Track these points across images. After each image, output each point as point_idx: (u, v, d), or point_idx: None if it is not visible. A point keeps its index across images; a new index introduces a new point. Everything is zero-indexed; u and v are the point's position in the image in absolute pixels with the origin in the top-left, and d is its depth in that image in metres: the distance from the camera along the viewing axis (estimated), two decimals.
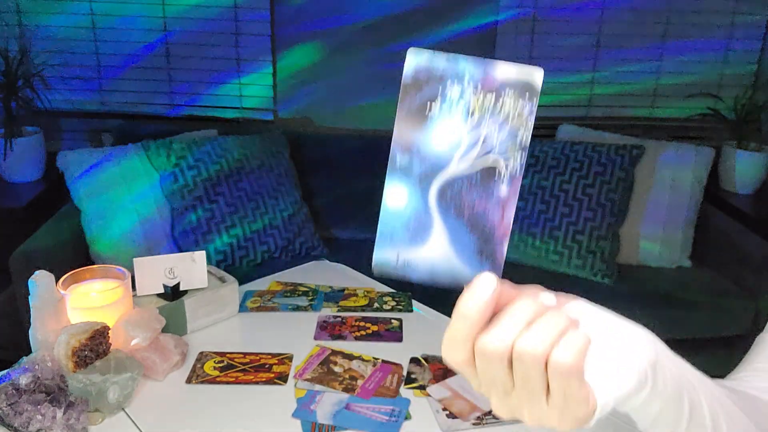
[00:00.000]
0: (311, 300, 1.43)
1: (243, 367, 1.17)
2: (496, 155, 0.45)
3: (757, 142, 2.56)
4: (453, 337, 0.45)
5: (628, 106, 2.75)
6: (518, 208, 2.24)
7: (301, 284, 1.50)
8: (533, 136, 1.85)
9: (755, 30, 2.67)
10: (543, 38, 2.63)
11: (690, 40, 2.65)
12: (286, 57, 2.63)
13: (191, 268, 1.28)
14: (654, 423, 0.51)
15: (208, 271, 1.32)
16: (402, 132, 0.45)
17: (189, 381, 1.13)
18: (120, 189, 2.10)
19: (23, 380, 0.97)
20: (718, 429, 0.52)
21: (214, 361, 1.18)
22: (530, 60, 2.65)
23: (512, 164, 0.45)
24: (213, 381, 1.13)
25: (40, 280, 1.07)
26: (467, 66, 0.45)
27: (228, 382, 1.13)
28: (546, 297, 0.46)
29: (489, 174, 0.45)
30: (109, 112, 2.63)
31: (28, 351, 1.08)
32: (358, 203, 2.47)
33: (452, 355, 0.46)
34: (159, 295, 1.27)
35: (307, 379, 1.14)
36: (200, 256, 1.29)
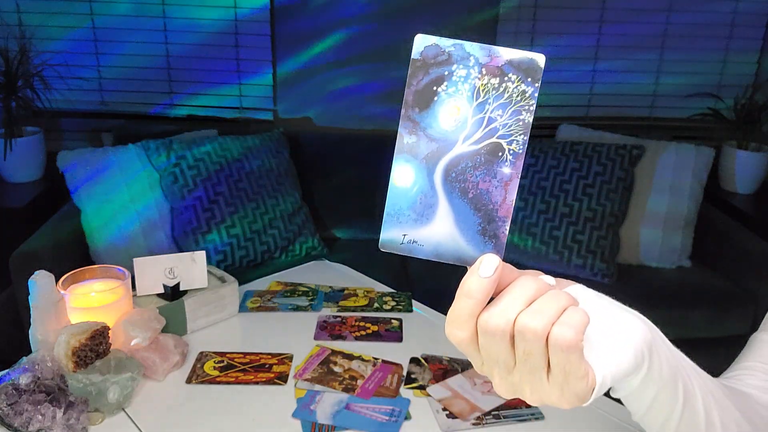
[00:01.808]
0: (311, 300, 1.43)
1: (243, 367, 1.17)
2: (499, 136, 0.47)
3: (757, 142, 2.56)
4: (457, 315, 0.46)
5: (628, 106, 2.75)
6: (518, 208, 2.24)
7: (301, 284, 1.50)
8: (533, 136, 1.85)
9: (755, 30, 2.67)
10: (543, 38, 2.63)
11: (690, 40, 2.65)
12: (286, 57, 2.63)
13: (191, 268, 1.29)
14: (649, 409, 0.52)
15: (208, 271, 1.33)
16: (409, 113, 0.47)
17: (189, 381, 1.13)
18: (120, 189, 2.10)
19: (23, 380, 0.97)
20: (711, 418, 0.53)
21: (214, 361, 1.18)
22: None
23: (515, 145, 0.47)
24: (213, 381, 1.13)
25: (40, 280, 1.07)
26: (473, 49, 0.46)
27: (228, 382, 1.13)
28: (547, 277, 0.47)
29: (493, 154, 0.47)
30: (109, 112, 2.63)
31: (28, 351, 1.08)
32: (358, 203, 2.47)
33: (456, 332, 0.47)
34: (159, 295, 1.27)
35: (307, 379, 1.14)
36: (200, 256, 1.29)
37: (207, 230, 2.07)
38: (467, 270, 0.47)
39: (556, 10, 2.59)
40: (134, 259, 1.26)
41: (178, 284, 1.27)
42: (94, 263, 2.00)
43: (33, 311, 1.08)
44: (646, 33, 2.64)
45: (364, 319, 1.35)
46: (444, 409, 1.07)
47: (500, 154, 0.47)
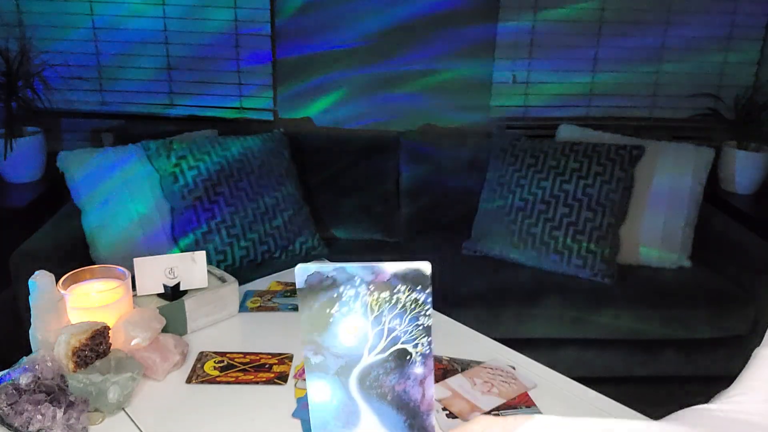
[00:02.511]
0: None
1: (243, 367, 1.17)
2: (403, 342, 0.48)
3: (757, 142, 2.56)
4: None
5: (628, 106, 2.75)
6: (518, 209, 2.24)
7: None
8: (533, 136, 1.86)
9: (755, 30, 2.67)
10: (543, 38, 2.63)
11: (690, 40, 2.65)
12: (286, 57, 2.63)
13: (191, 268, 1.29)
14: None
15: (208, 271, 1.33)
16: (309, 336, 0.49)
17: (189, 381, 1.13)
18: (120, 189, 2.10)
19: (23, 380, 0.97)
20: None
21: (215, 361, 1.18)
22: (530, 61, 2.65)
23: (421, 347, 0.48)
24: (213, 381, 1.13)
25: (41, 280, 1.07)
26: (355, 270, 0.48)
27: (228, 382, 1.13)
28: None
29: (401, 359, 0.49)
30: (109, 112, 2.63)
31: (28, 351, 1.08)
32: (358, 203, 2.48)
33: None
34: (159, 295, 1.27)
35: None
36: (200, 256, 1.29)
37: (207, 230, 2.07)
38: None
39: (556, 10, 2.59)
40: (134, 259, 1.26)
41: (178, 284, 1.27)
42: (94, 263, 2.00)
43: (33, 311, 1.08)
44: (647, 33, 2.64)
45: None
46: (444, 409, 1.07)
47: (408, 357, 0.48)
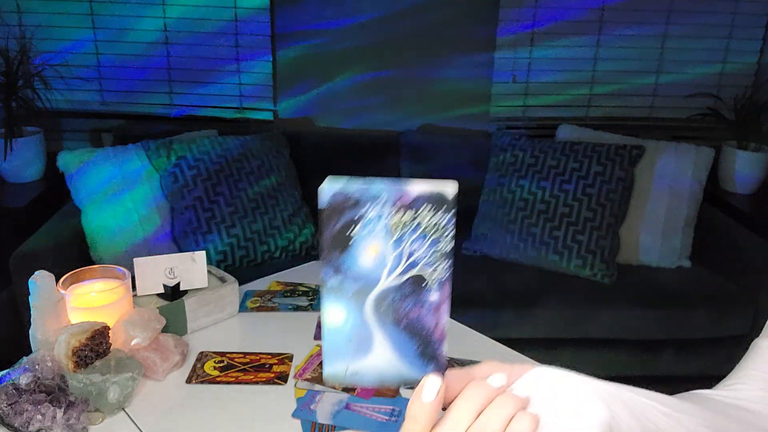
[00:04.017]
0: (311, 300, 1.43)
1: (243, 367, 1.17)
2: (421, 267, 0.48)
3: (757, 142, 2.56)
4: None
5: (628, 106, 2.75)
6: (518, 209, 2.24)
7: (301, 284, 1.50)
8: (533, 136, 1.86)
9: (755, 30, 2.67)
10: (543, 38, 2.63)
11: (690, 40, 2.65)
12: (286, 57, 2.63)
13: (191, 268, 1.29)
14: None
15: (208, 271, 1.33)
16: (329, 256, 0.48)
17: (189, 381, 1.13)
18: (120, 189, 2.10)
19: (23, 380, 0.97)
20: None
21: (215, 361, 1.18)
22: (530, 61, 2.65)
23: (439, 273, 0.48)
24: (213, 381, 1.13)
25: (41, 280, 1.07)
26: (382, 188, 0.47)
27: (228, 382, 1.13)
28: (495, 379, 0.48)
29: (417, 284, 0.48)
30: (109, 112, 2.63)
31: (28, 351, 1.08)
32: None
33: None
34: (159, 295, 1.27)
35: (307, 379, 1.14)
36: (200, 256, 1.29)
37: (207, 230, 2.07)
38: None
39: (556, 10, 2.59)
40: (134, 259, 1.26)
41: (178, 284, 1.27)
42: (94, 263, 2.00)
43: (33, 311, 1.08)
44: (647, 33, 2.64)
45: None
46: (444, 409, 1.07)
47: (424, 284, 0.48)
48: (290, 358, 1.20)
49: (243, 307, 1.38)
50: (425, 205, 0.47)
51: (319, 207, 0.48)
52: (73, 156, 2.12)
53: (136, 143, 2.17)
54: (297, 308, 1.39)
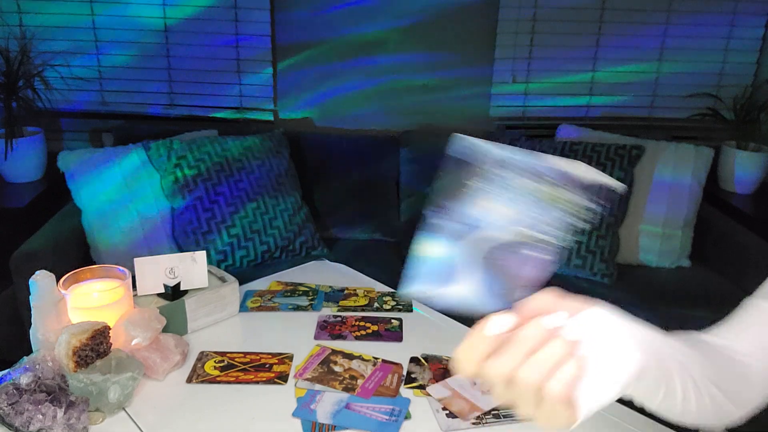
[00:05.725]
0: (311, 300, 1.43)
1: (243, 367, 1.17)
2: (535, 231, 0.50)
3: (756, 142, 2.56)
4: (463, 358, 0.53)
5: (628, 106, 2.76)
6: None
7: (301, 284, 1.50)
8: (533, 136, 1.86)
9: (755, 30, 2.67)
10: (543, 38, 2.63)
11: (690, 40, 2.66)
12: (286, 57, 2.63)
13: (191, 268, 1.29)
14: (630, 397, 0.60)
15: (209, 271, 1.33)
16: (439, 200, 0.50)
17: (189, 381, 1.13)
18: (120, 189, 2.10)
19: (24, 380, 0.97)
20: (687, 398, 0.61)
21: (215, 361, 1.19)
22: (529, 60, 2.65)
23: (552, 239, 0.50)
24: (213, 381, 1.13)
25: (41, 280, 1.07)
26: (513, 158, 0.48)
27: (228, 382, 1.13)
28: (550, 320, 0.51)
29: (527, 243, 0.50)
30: (110, 112, 2.63)
31: (28, 351, 1.08)
32: (358, 203, 2.48)
33: (461, 370, 0.53)
34: (159, 295, 1.27)
35: (307, 379, 1.14)
36: (200, 256, 1.29)
37: (207, 230, 2.07)
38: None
39: (556, 10, 2.59)
40: (135, 259, 1.26)
41: (178, 284, 1.28)
42: (94, 263, 2.00)
43: (34, 311, 1.08)
44: (646, 33, 2.64)
45: (364, 318, 1.36)
46: (444, 409, 1.07)
47: (531, 243, 0.50)
48: (290, 357, 1.20)
49: (243, 307, 1.39)
50: (563, 183, 0.48)
51: (449, 156, 0.50)
52: (73, 156, 2.12)
53: (137, 143, 2.18)
54: (297, 308, 1.39)
